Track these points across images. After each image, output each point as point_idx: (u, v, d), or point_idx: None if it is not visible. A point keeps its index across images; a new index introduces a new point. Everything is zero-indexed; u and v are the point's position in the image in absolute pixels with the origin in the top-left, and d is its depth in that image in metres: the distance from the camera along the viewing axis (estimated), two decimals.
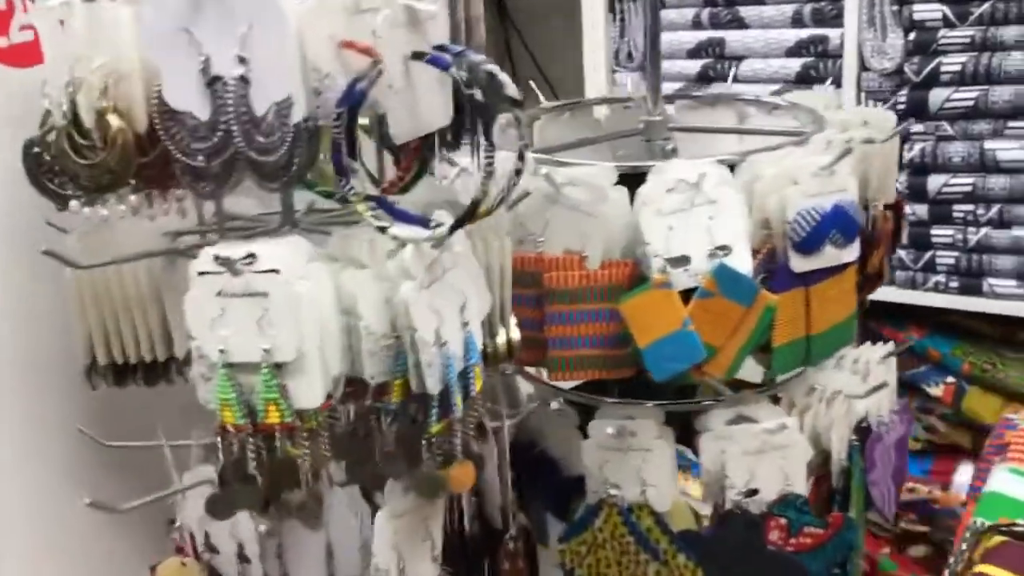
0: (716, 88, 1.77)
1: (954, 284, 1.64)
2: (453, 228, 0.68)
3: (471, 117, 0.70)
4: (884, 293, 1.71)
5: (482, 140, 0.68)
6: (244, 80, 0.64)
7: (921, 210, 1.63)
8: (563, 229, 0.92)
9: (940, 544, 1.69)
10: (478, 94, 0.68)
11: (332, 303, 0.68)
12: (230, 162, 0.65)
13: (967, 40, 1.53)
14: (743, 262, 0.88)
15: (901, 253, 1.67)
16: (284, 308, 0.65)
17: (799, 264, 0.89)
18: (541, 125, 1.19)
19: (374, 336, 0.69)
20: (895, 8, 1.59)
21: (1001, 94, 1.51)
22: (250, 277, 0.66)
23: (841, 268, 0.92)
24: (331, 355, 0.69)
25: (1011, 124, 1.52)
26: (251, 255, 0.65)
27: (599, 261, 0.90)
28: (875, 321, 1.79)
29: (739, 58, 1.77)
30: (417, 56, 0.69)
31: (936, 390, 1.71)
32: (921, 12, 1.56)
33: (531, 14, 2.43)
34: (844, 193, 0.89)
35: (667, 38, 1.83)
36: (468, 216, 0.68)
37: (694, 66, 1.81)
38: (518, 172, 0.70)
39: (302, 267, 0.67)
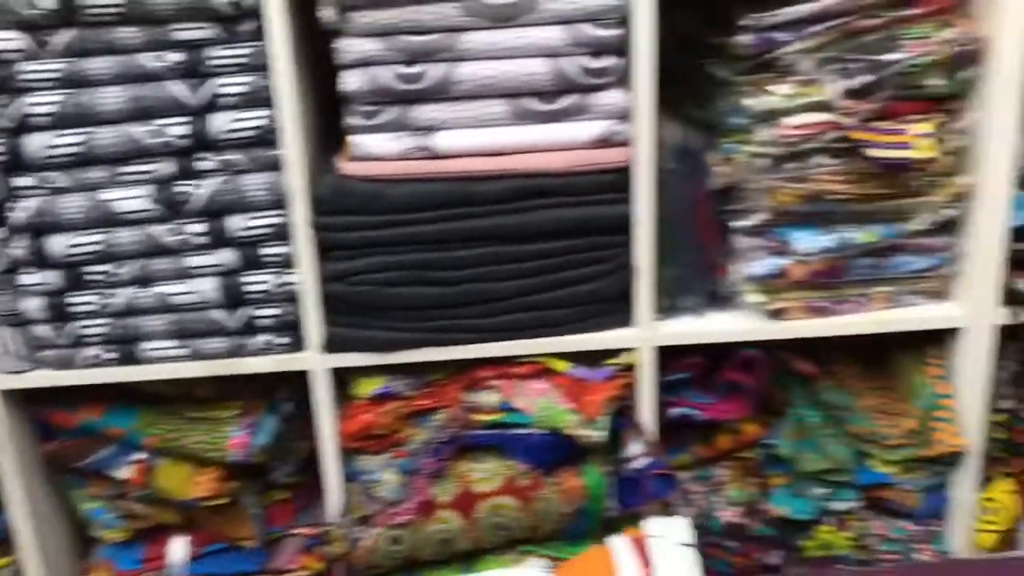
0: None
1: (111, 355, 1.41)
2: None
3: None
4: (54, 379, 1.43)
5: None
6: None
7: (53, 277, 1.37)
8: None
9: None
10: None
11: None
12: None
13: (57, 76, 1.29)
14: None
15: (45, 330, 1.39)
16: None
17: None
18: None
19: None
20: None
21: (107, 136, 1.30)
22: None
23: None
24: None
25: (123, 169, 1.33)
26: None
27: None
28: (36, 407, 1.50)
29: None
30: None
31: (125, 472, 1.49)
32: None
33: None
34: None
35: None
36: None
37: None
38: None
39: None
